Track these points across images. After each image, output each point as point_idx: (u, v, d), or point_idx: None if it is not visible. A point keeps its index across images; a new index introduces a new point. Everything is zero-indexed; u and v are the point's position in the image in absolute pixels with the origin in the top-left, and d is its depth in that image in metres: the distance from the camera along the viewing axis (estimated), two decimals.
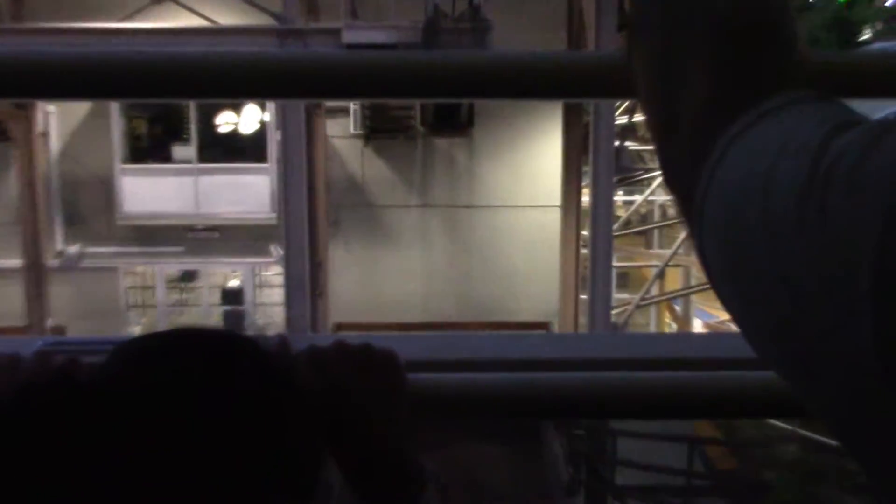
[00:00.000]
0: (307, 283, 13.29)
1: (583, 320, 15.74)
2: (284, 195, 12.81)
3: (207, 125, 20.00)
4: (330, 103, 17.80)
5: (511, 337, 2.39)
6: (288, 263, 12.80)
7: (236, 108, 19.89)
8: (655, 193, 21.15)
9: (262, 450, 0.87)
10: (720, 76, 0.72)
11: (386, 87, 1.10)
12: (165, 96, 1.13)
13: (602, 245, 12.39)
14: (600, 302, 12.57)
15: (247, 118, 19.92)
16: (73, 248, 19.41)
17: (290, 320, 13.00)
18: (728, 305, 0.66)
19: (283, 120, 12.82)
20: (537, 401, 1.24)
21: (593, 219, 12.48)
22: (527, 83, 1.08)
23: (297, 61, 1.07)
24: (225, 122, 19.96)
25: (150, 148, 20.27)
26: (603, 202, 12.09)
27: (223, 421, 0.86)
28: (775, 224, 0.58)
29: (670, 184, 0.76)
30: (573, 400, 1.23)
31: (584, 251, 16.41)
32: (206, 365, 0.90)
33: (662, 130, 0.76)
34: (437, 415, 1.21)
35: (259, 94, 1.27)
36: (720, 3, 0.73)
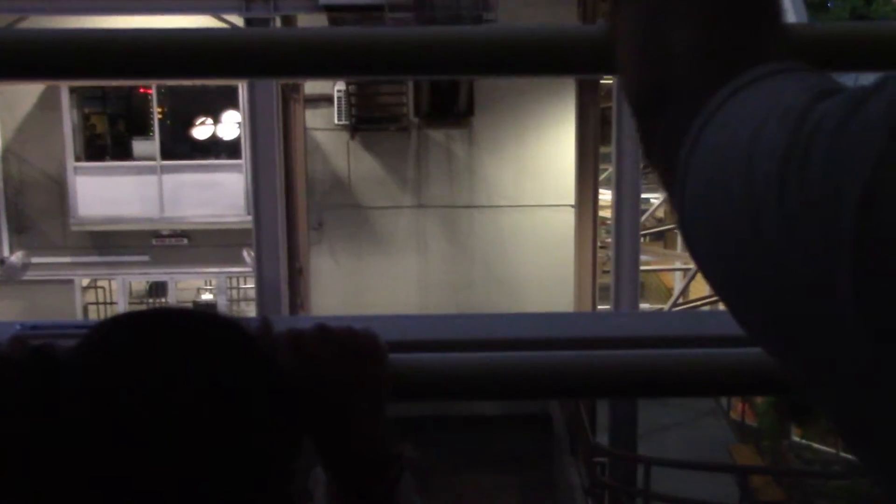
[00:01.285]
0: (284, 293, 12.30)
1: None
2: (255, 193, 11.97)
3: (174, 117, 18.81)
4: (310, 90, 17.37)
5: (494, 317, 2.81)
6: (260, 270, 11.82)
7: (215, 115, 19.10)
8: None
9: (238, 432, 0.94)
10: (706, 45, 0.75)
11: (370, 63, 1.21)
12: (148, 76, 1.77)
13: (628, 246, 11.86)
14: (626, 309, 11.53)
15: (227, 125, 18.92)
16: (16, 257, 18.13)
17: None
18: (713, 282, 0.68)
19: (251, 108, 12.21)
20: (518, 380, 1.33)
21: (617, 214, 11.85)
22: (513, 59, 1.17)
23: (288, 38, 1.27)
24: (202, 129, 19.28)
25: (107, 144, 19.64)
26: (629, 194, 11.47)
27: (198, 404, 0.93)
28: (758, 190, 0.60)
29: (653, 157, 0.78)
30: (556, 379, 1.32)
31: (601, 254, 16.50)
32: (182, 348, 0.97)
33: (645, 101, 0.79)
34: (419, 395, 1.32)
35: (245, 72, 1.49)
36: None
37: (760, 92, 0.67)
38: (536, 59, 1.15)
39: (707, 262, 0.68)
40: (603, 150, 16.23)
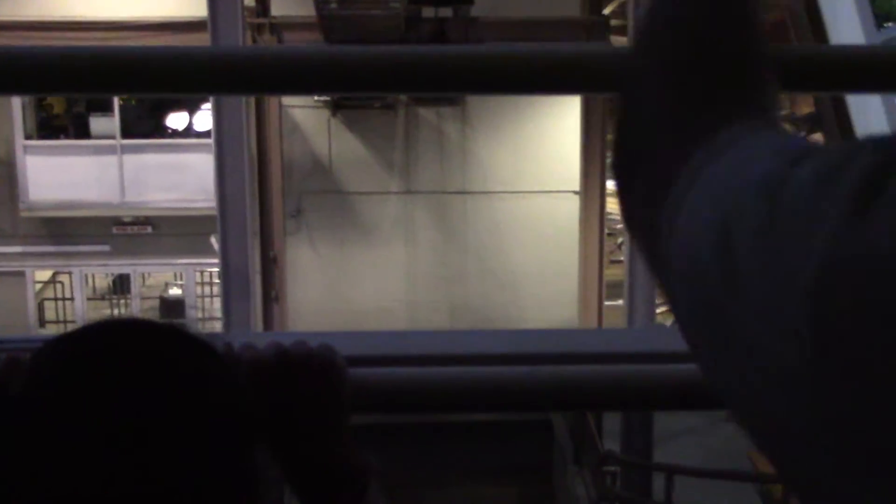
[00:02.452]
0: (254, 282, 11.62)
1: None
2: (218, 174, 11.43)
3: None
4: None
5: (457, 333, 3.09)
6: (225, 255, 10.98)
7: (191, 107, 18.71)
8: None
9: (195, 457, 0.97)
10: (679, 106, 0.79)
11: (390, 80, 1.27)
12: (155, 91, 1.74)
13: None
14: (641, 307, 10.93)
15: (202, 117, 18.44)
16: None
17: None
18: (686, 336, 0.72)
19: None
20: (476, 394, 1.47)
21: None
22: (543, 76, 1.22)
23: (296, 55, 1.29)
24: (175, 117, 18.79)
25: (62, 120, 18.95)
26: None
27: (152, 427, 0.96)
28: (731, 266, 0.63)
29: (632, 224, 0.84)
30: (513, 394, 1.48)
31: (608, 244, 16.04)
32: (138, 371, 0.98)
33: (622, 165, 0.84)
34: (379, 410, 1.50)
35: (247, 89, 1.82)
36: (695, 35, 0.82)
37: (735, 157, 0.69)
38: (563, 76, 1.23)
39: (685, 334, 0.72)
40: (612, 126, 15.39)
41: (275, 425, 1.15)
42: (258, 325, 14.74)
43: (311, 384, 1.18)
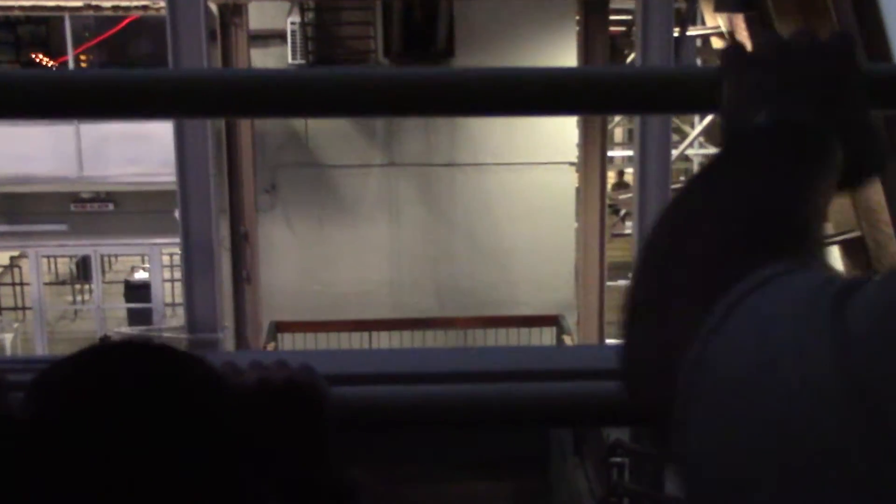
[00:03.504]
0: (222, 262, 11.07)
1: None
2: (177, 142, 10.95)
3: (100, 51, 17.32)
4: (259, 25, 16.60)
5: (436, 350, 3.32)
6: (186, 233, 10.74)
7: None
8: (695, 145, 18.66)
9: (189, 478, 1.05)
10: (705, 255, 0.86)
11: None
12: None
13: (656, 194, 10.30)
14: None
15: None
16: None
17: (191, 323, 10.70)
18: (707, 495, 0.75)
19: (172, 41, 10.67)
20: (458, 411, 1.63)
21: (641, 157, 10.43)
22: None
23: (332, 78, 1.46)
24: None
25: None
26: (656, 129, 9.93)
27: (150, 451, 1.04)
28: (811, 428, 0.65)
29: (637, 372, 0.91)
30: (496, 410, 1.63)
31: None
32: (135, 399, 1.06)
33: (641, 310, 0.91)
34: (362, 428, 1.61)
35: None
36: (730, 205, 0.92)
37: (771, 300, 0.73)
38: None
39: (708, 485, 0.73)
40: None
41: (260, 448, 1.19)
42: (227, 307, 14.25)
43: (293, 408, 1.31)
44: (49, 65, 19.49)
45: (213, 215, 10.75)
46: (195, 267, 10.73)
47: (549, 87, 1.43)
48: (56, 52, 18.64)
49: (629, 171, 25.28)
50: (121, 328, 16.25)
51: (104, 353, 1.11)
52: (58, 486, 0.99)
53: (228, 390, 1.15)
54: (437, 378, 1.61)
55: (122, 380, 1.06)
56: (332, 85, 1.41)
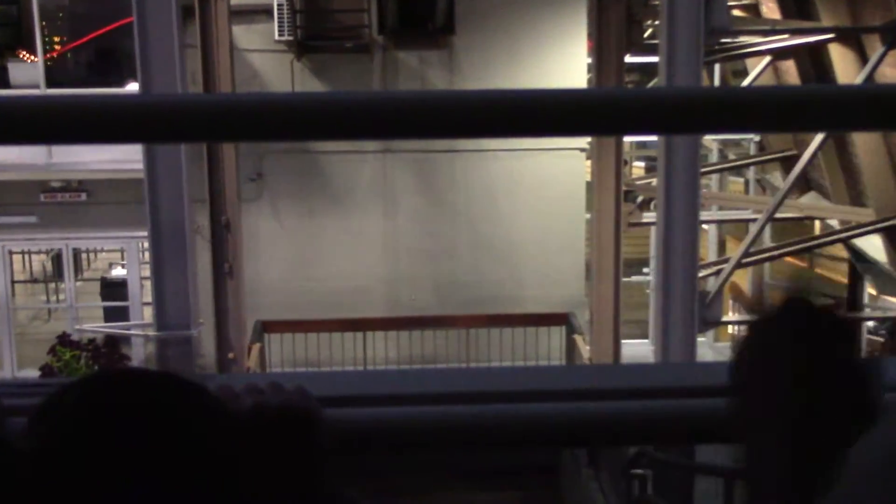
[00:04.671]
0: (192, 253, 10.37)
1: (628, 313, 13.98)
2: None
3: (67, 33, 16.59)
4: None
5: (428, 371, 3.07)
6: (154, 204, 9.85)
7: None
8: None
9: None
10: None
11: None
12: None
13: (684, 179, 9.38)
14: (680, 278, 9.49)
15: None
16: None
17: (161, 320, 10.02)
18: None
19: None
20: (449, 434, 1.72)
21: (668, 137, 9.45)
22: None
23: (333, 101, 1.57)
24: None
25: None
26: (684, 58, 9.17)
27: (152, 479, 1.10)
28: None
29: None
30: (489, 431, 1.74)
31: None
32: (136, 428, 1.12)
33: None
34: (355, 451, 1.66)
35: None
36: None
37: None
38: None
39: None
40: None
41: (256, 473, 1.29)
42: (206, 303, 13.52)
43: (288, 434, 1.40)
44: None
45: (185, 201, 10.03)
46: (165, 258, 10.04)
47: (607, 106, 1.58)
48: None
49: (638, 164, 24.72)
50: (83, 326, 15.50)
51: (105, 383, 1.19)
52: None
53: (225, 418, 1.21)
54: (431, 399, 1.72)
55: (123, 412, 1.12)
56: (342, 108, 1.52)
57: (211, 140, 10.41)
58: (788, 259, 18.93)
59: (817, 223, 17.45)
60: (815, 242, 13.75)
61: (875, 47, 10.07)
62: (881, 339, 15.82)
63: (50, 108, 1.50)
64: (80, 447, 1.08)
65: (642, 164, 24.92)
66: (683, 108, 1.65)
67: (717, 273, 12.17)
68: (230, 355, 12.89)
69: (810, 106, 1.63)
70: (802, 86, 11.09)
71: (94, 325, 14.99)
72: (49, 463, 1.08)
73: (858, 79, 10.14)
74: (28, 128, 1.49)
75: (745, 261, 11.13)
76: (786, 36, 12.68)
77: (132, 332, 14.30)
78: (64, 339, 13.63)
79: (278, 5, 16.44)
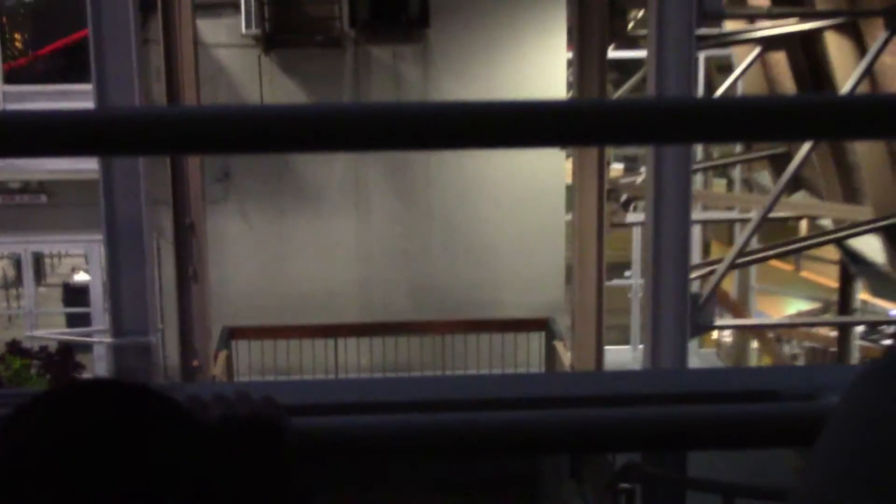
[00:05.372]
0: (150, 256, 10.10)
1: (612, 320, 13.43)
2: None
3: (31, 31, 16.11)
4: None
5: (393, 380, 3.81)
6: (110, 224, 9.57)
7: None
8: None
9: None
10: None
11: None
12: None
13: (675, 175, 9.06)
14: (671, 281, 9.17)
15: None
16: None
17: (117, 326, 9.61)
18: None
19: (92, 11, 9.58)
20: (423, 442, 1.69)
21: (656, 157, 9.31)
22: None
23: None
24: None
25: None
26: (675, 69, 8.59)
27: (123, 489, 1.11)
28: None
29: None
30: (458, 440, 1.70)
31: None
32: (106, 440, 1.13)
33: None
34: (325, 459, 1.67)
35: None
36: None
37: None
38: None
39: None
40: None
41: (224, 482, 1.23)
42: (170, 309, 13.04)
43: (255, 443, 1.41)
44: None
45: (142, 201, 9.69)
46: (122, 261, 9.68)
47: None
48: None
49: (616, 165, 24.34)
50: (35, 332, 15.05)
51: (74, 396, 1.19)
52: None
53: (194, 428, 1.22)
54: (404, 407, 1.77)
55: (90, 424, 1.13)
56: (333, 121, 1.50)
57: (171, 153, 10.12)
58: (773, 263, 18.63)
59: (803, 224, 17.16)
60: (809, 243, 13.37)
61: (875, 35, 9.64)
62: (876, 345, 15.54)
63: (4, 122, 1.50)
64: (48, 460, 1.10)
65: (621, 165, 24.58)
66: (671, 119, 1.62)
67: (704, 276, 11.81)
68: (195, 363, 12.42)
69: (803, 114, 1.62)
70: (795, 95, 10.96)
71: (46, 332, 14.52)
72: (16, 476, 1.10)
73: (858, 69, 9.74)
74: None
75: (738, 261, 10.71)
76: (776, 23, 12.27)
77: (86, 338, 13.80)
78: (14, 347, 13.15)
79: None
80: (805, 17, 11.79)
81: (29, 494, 1.08)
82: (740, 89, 15.46)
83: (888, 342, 14.35)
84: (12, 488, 1.09)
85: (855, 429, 0.88)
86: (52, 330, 15.52)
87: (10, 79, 16.62)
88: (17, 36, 16.70)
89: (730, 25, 12.71)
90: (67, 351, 12.99)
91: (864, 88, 10.15)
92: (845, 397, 0.92)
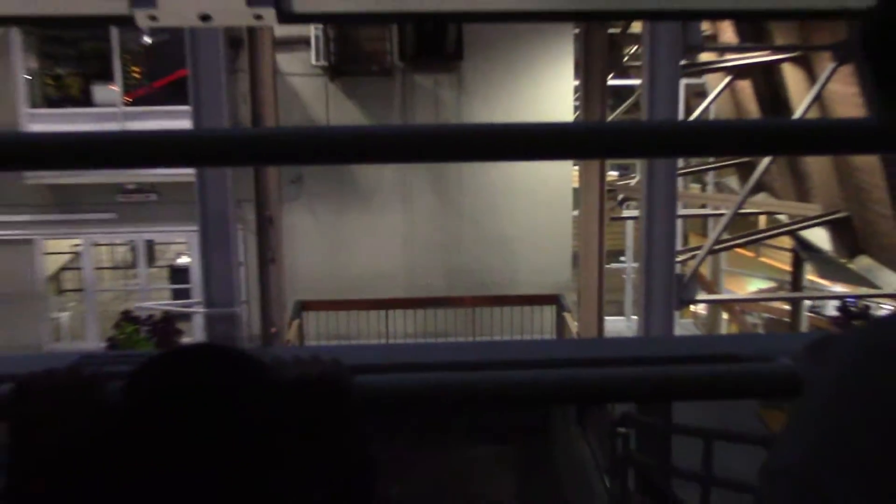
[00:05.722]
0: (234, 243, 10.13)
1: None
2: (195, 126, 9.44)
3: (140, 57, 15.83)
4: (284, 32, 15.30)
5: (442, 344, 4.07)
6: (204, 217, 9.65)
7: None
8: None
9: (247, 461, 1.18)
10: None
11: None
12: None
13: (664, 179, 8.89)
14: (661, 264, 9.03)
15: None
16: None
17: (209, 299, 9.59)
18: None
19: (191, 51, 9.57)
20: (459, 396, 1.69)
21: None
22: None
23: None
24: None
25: (67, 90, 16.69)
26: (664, 91, 8.36)
27: (228, 436, 1.17)
28: None
29: None
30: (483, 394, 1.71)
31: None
32: (207, 396, 1.19)
33: None
34: (381, 411, 1.62)
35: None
36: None
37: None
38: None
39: None
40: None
41: (300, 429, 1.31)
42: (252, 286, 12.93)
43: (325, 397, 1.40)
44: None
45: (228, 200, 9.53)
46: (212, 247, 9.62)
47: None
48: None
49: (612, 173, 24.05)
50: (143, 304, 14.90)
51: (183, 357, 1.24)
52: (147, 462, 1.12)
53: (277, 384, 1.26)
54: (444, 367, 1.75)
55: (196, 379, 1.19)
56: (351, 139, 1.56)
57: (249, 164, 9.94)
58: (738, 250, 18.35)
59: (762, 218, 16.88)
60: (770, 234, 13.13)
61: (824, 66, 9.44)
62: (826, 317, 15.28)
63: (124, 140, 1.57)
64: (168, 409, 1.15)
65: (616, 172, 24.26)
66: (659, 138, 1.66)
67: (685, 261, 11.61)
68: (272, 330, 12.30)
69: (763, 135, 1.65)
70: (758, 119, 10.73)
71: (152, 304, 14.44)
72: (141, 418, 1.15)
73: (810, 95, 9.53)
74: (109, 157, 1.55)
75: (715, 248, 10.52)
76: (743, 55, 12.05)
77: (185, 309, 13.73)
78: (127, 316, 13.04)
79: (315, 36, 15.72)
80: (766, 50, 11.59)
81: (154, 435, 1.14)
82: (713, 111, 15.19)
83: (832, 314, 14.13)
84: (141, 431, 1.14)
85: (840, 399, 0.75)
86: (157, 302, 15.41)
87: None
88: (135, 69, 16.50)
89: (704, 57, 12.48)
90: (169, 319, 12.85)
91: (815, 111, 9.97)
92: (827, 370, 0.80)
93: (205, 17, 1.65)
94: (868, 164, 9.91)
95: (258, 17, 1.65)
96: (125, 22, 1.70)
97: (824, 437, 0.69)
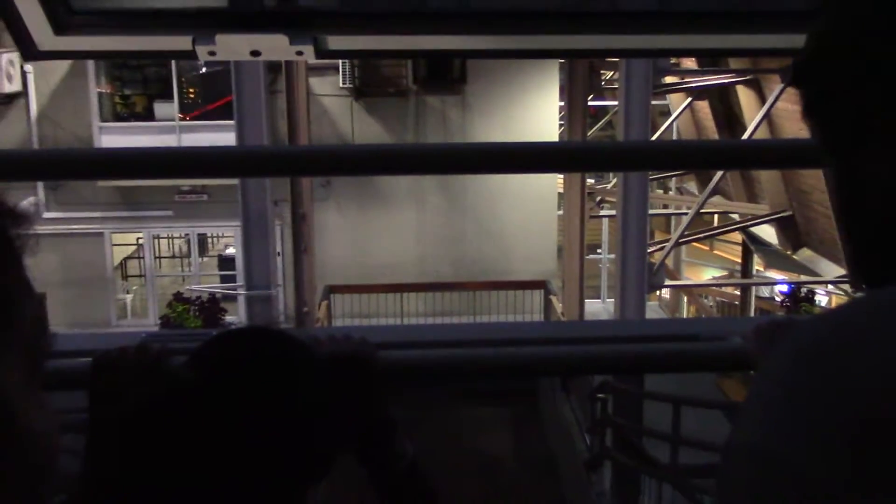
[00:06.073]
0: (272, 235, 10.32)
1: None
2: (238, 143, 9.70)
3: (194, 81, 15.76)
4: (317, 61, 14.25)
5: (455, 325, 3.39)
6: (246, 213, 9.60)
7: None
8: None
9: (294, 427, 1.18)
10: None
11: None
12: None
13: (637, 184, 8.94)
14: (634, 255, 9.06)
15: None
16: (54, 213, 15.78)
17: (249, 282, 9.66)
18: None
19: (236, 78, 9.58)
20: (464, 367, 1.72)
21: (625, 137, 8.92)
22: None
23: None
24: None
25: (133, 107, 16.70)
26: (637, 107, 8.21)
27: (282, 408, 1.17)
28: None
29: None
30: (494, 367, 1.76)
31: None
32: (265, 371, 1.19)
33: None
34: (401, 381, 1.88)
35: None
36: None
37: None
38: None
39: None
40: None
41: (335, 398, 1.26)
42: (288, 273, 12.90)
43: (355, 371, 1.38)
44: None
45: (266, 199, 9.51)
46: (252, 238, 9.61)
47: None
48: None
49: (590, 180, 23.96)
50: (192, 286, 14.91)
51: (241, 336, 1.24)
52: (212, 429, 1.11)
53: (314, 360, 1.26)
54: (450, 344, 1.75)
55: (254, 355, 1.19)
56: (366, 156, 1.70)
57: (282, 176, 9.85)
58: (696, 243, 18.32)
59: (716, 217, 16.84)
60: (724, 229, 13.11)
61: (773, 87, 9.40)
62: (767, 302, 15.28)
63: (168, 155, 1.60)
64: (229, 381, 1.15)
65: (592, 180, 24.17)
66: (631, 155, 1.75)
67: (652, 252, 11.57)
68: (305, 310, 12.30)
69: (717, 152, 1.73)
70: (717, 140, 10.66)
71: (199, 287, 14.43)
72: (205, 391, 1.14)
73: (760, 113, 9.50)
74: (169, 169, 1.57)
75: (680, 241, 10.48)
76: (701, 78, 11.99)
77: (228, 291, 13.71)
78: (178, 297, 13.04)
79: (342, 63, 15.68)
80: (722, 73, 11.57)
81: (219, 404, 1.13)
82: (675, 128, 15.16)
83: (777, 299, 14.13)
84: (206, 401, 1.13)
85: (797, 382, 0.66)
86: (204, 285, 15.42)
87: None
88: (190, 90, 16.46)
89: (668, 79, 12.45)
90: (215, 300, 12.83)
91: (764, 127, 9.94)
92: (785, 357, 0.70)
93: (255, 53, 1.66)
94: (809, 170, 9.88)
95: (299, 53, 1.65)
96: (189, 56, 1.70)
97: (787, 414, 0.63)
